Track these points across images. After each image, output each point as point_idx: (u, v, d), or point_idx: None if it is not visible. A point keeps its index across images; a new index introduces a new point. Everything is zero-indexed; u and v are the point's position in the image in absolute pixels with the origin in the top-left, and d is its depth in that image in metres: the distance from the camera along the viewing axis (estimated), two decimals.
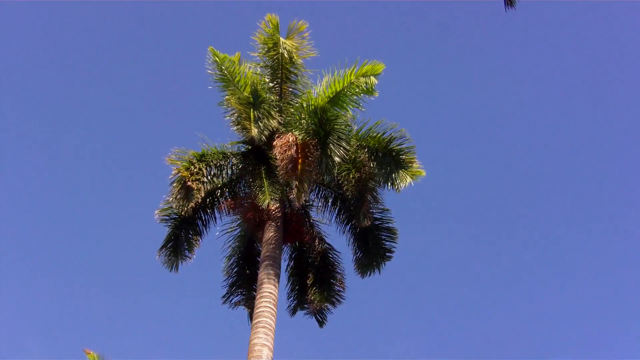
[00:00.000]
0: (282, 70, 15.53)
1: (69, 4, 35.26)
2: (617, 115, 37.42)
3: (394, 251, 15.82)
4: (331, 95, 14.53)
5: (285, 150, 14.03)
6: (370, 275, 15.85)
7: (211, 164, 14.93)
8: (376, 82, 14.21)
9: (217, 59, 14.98)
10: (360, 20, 38.22)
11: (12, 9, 34.47)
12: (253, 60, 15.84)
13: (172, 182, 14.35)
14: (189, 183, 14.13)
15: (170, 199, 14.50)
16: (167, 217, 15.51)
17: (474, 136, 40.16)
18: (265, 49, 15.55)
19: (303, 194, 14.19)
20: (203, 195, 14.66)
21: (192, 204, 14.26)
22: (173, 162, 14.41)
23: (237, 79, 15.09)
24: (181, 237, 15.55)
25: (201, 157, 14.76)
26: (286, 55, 15.40)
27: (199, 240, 15.82)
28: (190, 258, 15.71)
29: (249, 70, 15.30)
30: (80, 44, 37.79)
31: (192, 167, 14.42)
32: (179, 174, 14.22)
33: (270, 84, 15.76)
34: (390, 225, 15.77)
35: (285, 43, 15.25)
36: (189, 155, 14.62)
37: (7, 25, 34.30)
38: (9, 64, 35.39)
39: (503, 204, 39.22)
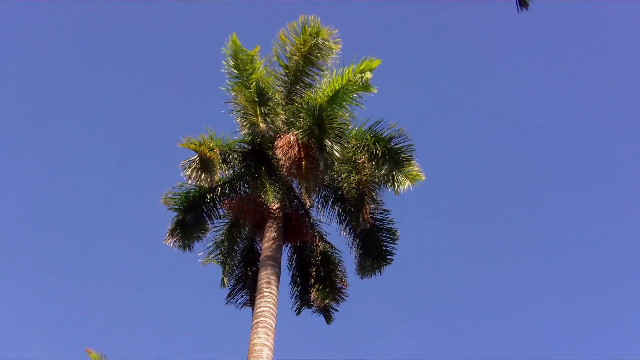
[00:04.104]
0: (297, 71, 15.52)
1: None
2: (618, 115, 37.44)
3: (394, 253, 15.83)
4: (330, 94, 14.59)
5: (287, 151, 14.08)
6: (370, 277, 15.83)
7: (220, 153, 14.99)
8: (370, 76, 14.22)
9: (236, 48, 14.90)
10: (362, 19, 38.21)
11: (13, 8, 34.46)
12: (266, 55, 15.69)
13: (188, 161, 14.35)
14: (208, 153, 14.14)
15: (190, 176, 14.31)
16: (174, 205, 15.69)
17: (475, 136, 40.20)
18: (290, 49, 15.41)
19: (312, 193, 14.23)
20: (218, 178, 14.69)
21: (213, 174, 14.26)
22: (187, 145, 14.24)
23: (248, 72, 15.06)
24: (188, 222, 15.68)
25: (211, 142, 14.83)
26: (310, 58, 15.34)
27: (205, 227, 15.96)
28: (200, 239, 15.87)
29: (261, 67, 15.25)
30: (84, 42, 37.81)
31: (207, 144, 14.42)
32: (196, 151, 14.18)
33: (281, 83, 15.77)
34: (390, 226, 15.78)
35: (327, 44, 15.08)
36: (200, 137, 14.48)
37: (9, 25, 34.30)
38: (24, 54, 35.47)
39: (503, 204, 39.28)
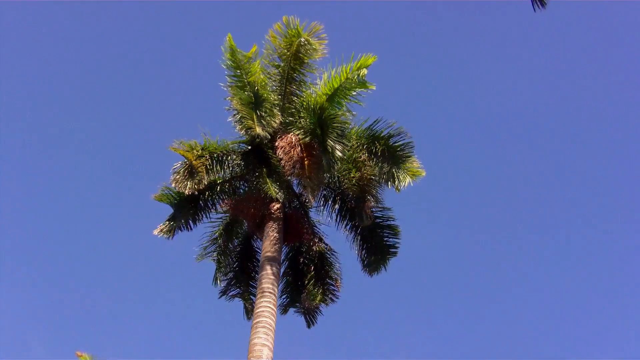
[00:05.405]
0: (289, 71, 15.49)
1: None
2: (618, 116, 37.38)
3: (397, 247, 15.85)
4: (329, 93, 14.63)
5: (289, 150, 14.13)
6: (378, 273, 15.85)
7: (213, 156, 15.05)
8: (366, 72, 14.21)
9: (232, 49, 14.92)
10: (362, 18, 38.18)
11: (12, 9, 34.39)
12: (262, 55, 15.68)
13: (176, 167, 14.49)
14: (194, 162, 14.29)
15: (173, 179, 14.48)
16: (168, 201, 15.68)
17: (475, 135, 40.15)
18: (279, 49, 15.41)
19: (316, 191, 14.33)
20: (205, 183, 14.71)
21: (195, 181, 14.34)
22: (175, 150, 14.47)
23: (245, 72, 15.06)
24: (180, 217, 15.68)
25: (203, 148, 14.92)
26: (300, 57, 15.31)
27: (196, 220, 15.96)
28: (188, 229, 15.86)
29: (258, 68, 15.26)
30: (86, 42, 37.76)
31: (195, 151, 14.58)
32: (184, 157, 14.35)
33: (275, 83, 15.75)
34: (391, 223, 15.79)
35: (310, 43, 15.07)
36: (191, 143, 14.69)
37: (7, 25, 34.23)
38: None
39: (504, 202, 39.25)
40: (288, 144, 14.29)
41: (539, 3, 10.67)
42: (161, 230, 15.63)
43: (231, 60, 15.04)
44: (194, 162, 14.33)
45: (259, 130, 14.34)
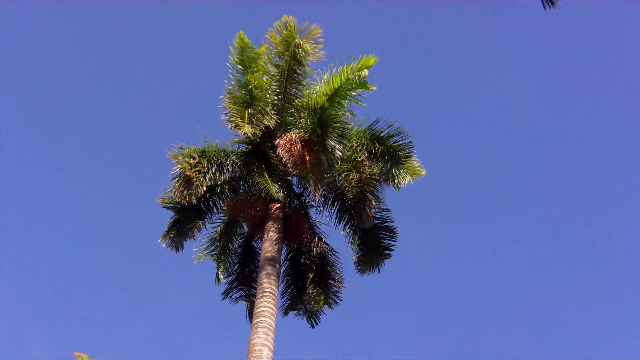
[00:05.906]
0: (289, 70, 15.48)
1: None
2: (617, 116, 37.34)
3: (393, 249, 15.82)
4: (330, 93, 14.66)
5: (290, 148, 14.13)
6: (369, 273, 15.81)
7: (212, 160, 15.05)
8: (367, 73, 14.26)
9: (242, 45, 15.01)
10: (362, 18, 38.17)
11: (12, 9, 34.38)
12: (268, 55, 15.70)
13: (174, 174, 14.53)
14: (189, 173, 14.29)
15: (172, 188, 14.58)
16: (171, 205, 15.63)
17: (475, 135, 40.13)
18: (278, 50, 15.41)
19: (320, 185, 14.34)
20: (204, 189, 14.73)
21: (192, 192, 14.33)
22: (174, 157, 14.54)
23: (252, 71, 15.12)
24: (183, 223, 15.66)
25: (202, 153, 14.93)
26: (298, 58, 15.29)
27: (200, 227, 15.94)
28: (194, 237, 15.83)
29: (262, 66, 15.32)
30: (87, 43, 37.73)
31: (192, 159, 14.60)
32: (180, 166, 14.39)
33: (275, 82, 15.74)
34: (390, 224, 15.75)
35: (302, 47, 15.07)
36: (190, 150, 14.75)
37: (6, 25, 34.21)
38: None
39: (503, 203, 39.23)
40: (288, 141, 14.29)
41: (549, 2, 10.52)
42: (169, 243, 15.63)
43: (239, 57, 15.10)
44: (188, 172, 14.32)
45: (247, 128, 14.36)
